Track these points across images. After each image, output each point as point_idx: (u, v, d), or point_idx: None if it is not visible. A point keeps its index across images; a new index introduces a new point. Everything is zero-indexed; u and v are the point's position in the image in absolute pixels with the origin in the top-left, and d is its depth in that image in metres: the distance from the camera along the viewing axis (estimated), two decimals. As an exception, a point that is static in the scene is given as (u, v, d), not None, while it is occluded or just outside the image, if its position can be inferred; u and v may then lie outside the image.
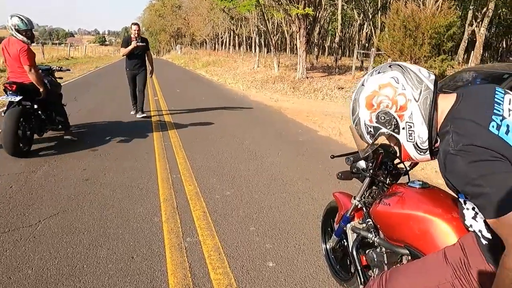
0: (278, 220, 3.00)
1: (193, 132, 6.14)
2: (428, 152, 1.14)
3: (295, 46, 36.51)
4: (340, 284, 2.15)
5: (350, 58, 30.20)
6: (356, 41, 27.67)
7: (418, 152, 1.15)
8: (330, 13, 28.15)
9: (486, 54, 30.81)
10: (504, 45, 33.34)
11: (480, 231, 1.06)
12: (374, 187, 1.81)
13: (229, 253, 2.47)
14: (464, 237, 1.18)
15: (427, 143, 1.12)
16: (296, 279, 2.23)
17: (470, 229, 1.11)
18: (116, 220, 2.88)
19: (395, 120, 1.13)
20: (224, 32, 39.27)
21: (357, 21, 28.47)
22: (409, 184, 1.58)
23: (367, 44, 25.49)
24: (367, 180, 1.77)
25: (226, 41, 40.32)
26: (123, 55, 7.00)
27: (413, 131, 1.12)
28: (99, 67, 23.40)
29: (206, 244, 2.57)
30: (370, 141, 1.25)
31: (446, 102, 1.12)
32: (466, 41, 19.86)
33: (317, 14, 15.17)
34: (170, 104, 9.16)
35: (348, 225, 1.87)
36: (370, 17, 22.06)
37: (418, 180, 1.59)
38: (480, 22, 17.06)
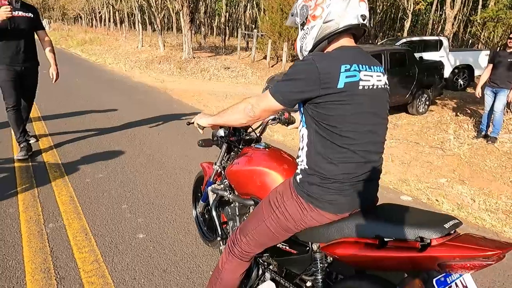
0: (153, 196, 3.08)
1: (62, 115, 5.59)
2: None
3: (181, 25, 35.32)
4: (206, 245, 2.38)
5: (237, 39, 30.90)
6: (243, 22, 28.40)
7: (300, 52, 1.38)
8: (216, -7, 28.06)
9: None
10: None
11: (302, 160, 1.33)
12: (232, 153, 2.04)
13: (97, 232, 2.46)
14: (282, 183, 1.49)
15: (306, 54, 1.34)
16: (165, 245, 2.37)
17: (298, 161, 1.38)
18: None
19: (305, 19, 1.32)
20: (102, 7, 35.50)
21: (242, 2, 29.14)
22: (255, 146, 1.85)
23: (253, 26, 26.46)
24: (224, 146, 1.99)
25: (105, 17, 36.58)
26: None
27: (305, 38, 1.33)
28: None
29: (71, 227, 2.50)
30: (291, 20, 1.42)
31: (342, 44, 1.30)
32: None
33: (200, -8, 15.00)
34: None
35: (209, 188, 2.08)
36: (253, -1, 22.84)
37: (264, 143, 1.88)
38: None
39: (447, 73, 10.06)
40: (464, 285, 1.07)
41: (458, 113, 7.26)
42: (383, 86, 1.30)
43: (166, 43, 18.38)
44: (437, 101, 8.45)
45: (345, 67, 1.20)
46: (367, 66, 1.26)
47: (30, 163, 3.60)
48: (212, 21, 35.18)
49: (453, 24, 15.79)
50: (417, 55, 8.03)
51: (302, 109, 1.31)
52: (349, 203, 1.27)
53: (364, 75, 1.24)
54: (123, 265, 2.14)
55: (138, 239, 2.42)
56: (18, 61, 3.56)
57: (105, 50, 18.77)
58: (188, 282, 2.04)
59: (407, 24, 21.23)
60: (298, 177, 1.34)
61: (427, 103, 7.42)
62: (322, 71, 1.18)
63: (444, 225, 1.04)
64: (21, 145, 3.74)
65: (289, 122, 1.99)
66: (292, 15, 1.39)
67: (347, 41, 1.30)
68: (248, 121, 1.40)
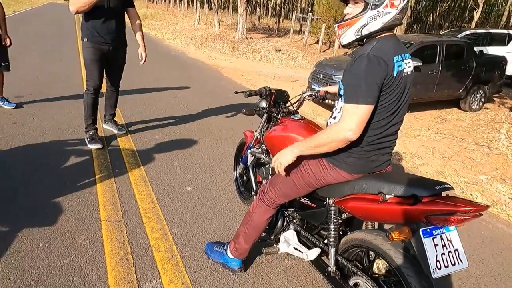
0: (200, 158, 3.50)
1: (125, 86, 6.21)
2: (357, 38, 1.47)
3: (237, 5, 35.53)
4: (243, 202, 2.74)
5: (291, 21, 30.54)
6: (299, 5, 27.99)
7: (356, 30, 1.44)
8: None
9: (416, 26, 33.30)
10: (431, 19, 36.24)
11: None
12: (271, 123, 2.33)
13: (153, 181, 2.93)
14: None
15: (366, 33, 1.43)
16: (208, 198, 2.77)
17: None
18: (48, 156, 3.14)
19: (383, 2, 1.38)
20: (164, -17, 36.75)
21: (300, -16, 28.55)
22: (291, 117, 2.13)
23: (309, 8, 25.99)
24: (264, 116, 2.30)
25: (166, -6, 37.90)
26: (77, 11, 3.13)
27: (375, 20, 1.40)
28: (18, 11, 20.86)
29: (133, 174, 2.99)
30: None
31: (386, 33, 1.45)
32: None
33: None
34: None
35: (248, 151, 2.40)
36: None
37: (299, 115, 2.15)
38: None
39: (512, 70, 9.38)
40: (449, 239, 1.29)
41: (516, 113, 6.87)
42: (411, 71, 1.50)
43: (221, 22, 18.83)
44: (494, 98, 8.01)
45: (396, 58, 1.40)
46: (404, 55, 1.45)
47: (102, 124, 4.19)
48: (268, 2, 35.02)
49: (531, 17, 14.38)
50: (479, 49, 7.62)
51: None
52: (363, 166, 1.52)
53: (404, 63, 1.44)
54: (173, 208, 2.57)
55: (186, 191, 2.84)
56: (107, 40, 3.34)
57: (164, 26, 19.69)
58: (225, 228, 2.42)
59: (477, 15, 19.61)
60: None
61: (482, 100, 7.09)
62: (387, 63, 1.37)
63: (435, 187, 1.26)
64: (89, 133, 3.51)
65: (324, 98, 2.23)
66: None
67: (390, 30, 1.48)
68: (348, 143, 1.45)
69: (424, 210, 1.23)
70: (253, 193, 2.30)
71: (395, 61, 1.39)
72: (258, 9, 25.94)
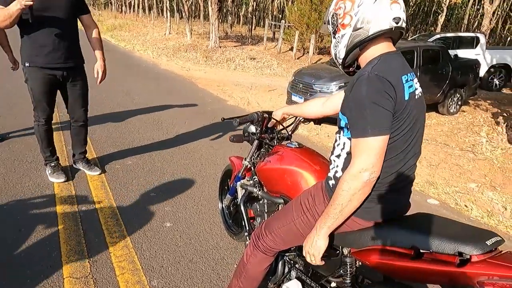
0: (179, 185, 3.15)
1: (92, 102, 5.74)
2: (341, 66, 1.36)
3: (209, 13, 35.21)
4: (231, 237, 2.42)
5: (264, 29, 30.56)
6: (270, 12, 28.10)
7: (335, 59, 1.36)
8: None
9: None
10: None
11: (337, 166, 1.30)
12: (262, 150, 2.04)
13: (127, 218, 2.55)
14: (314, 185, 1.48)
15: (341, 61, 1.32)
16: (191, 235, 2.43)
17: (331, 167, 1.35)
18: (0, 196, 2.69)
19: (336, 28, 1.28)
20: (132, -7, 35.97)
21: (270, -8, 28.68)
22: (287, 144, 1.84)
23: (280, 16, 26.10)
24: (255, 142, 1.99)
25: (134, 3, 37.11)
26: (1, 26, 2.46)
27: (337, 47, 1.30)
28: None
29: (103, 212, 2.60)
30: (324, 28, 1.39)
31: (382, 49, 1.23)
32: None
33: (229, -19, 14.93)
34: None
35: (238, 183, 2.09)
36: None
37: (296, 142, 1.87)
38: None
39: (482, 72, 9.63)
40: None
41: (492, 115, 6.96)
42: (421, 93, 1.28)
43: (193, 31, 18.46)
44: (469, 101, 8.12)
45: (405, 77, 1.19)
46: (412, 74, 1.23)
47: (64, 148, 3.74)
48: (239, 10, 34.99)
49: (491, 20, 14.97)
50: (451, 52, 7.72)
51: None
52: (384, 210, 1.26)
53: (415, 83, 1.22)
54: (151, 253, 2.21)
55: (165, 228, 2.49)
56: (56, 60, 2.68)
57: (134, 37, 19.08)
58: (213, 273, 2.09)
59: (441, 19, 20.31)
60: (331, 182, 1.33)
61: (459, 103, 7.15)
62: (394, 84, 1.14)
63: (486, 242, 1.01)
64: (50, 165, 3.02)
65: (320, 122, 1.97)
66: (325, 23, 1.37)
67: (386, 46, 1.24)
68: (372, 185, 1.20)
69: (477, 274, 0.97)
70: (246, 233, 1.98)
71: (404, 80, 1.17)
72: (229, 17, 25.78)
